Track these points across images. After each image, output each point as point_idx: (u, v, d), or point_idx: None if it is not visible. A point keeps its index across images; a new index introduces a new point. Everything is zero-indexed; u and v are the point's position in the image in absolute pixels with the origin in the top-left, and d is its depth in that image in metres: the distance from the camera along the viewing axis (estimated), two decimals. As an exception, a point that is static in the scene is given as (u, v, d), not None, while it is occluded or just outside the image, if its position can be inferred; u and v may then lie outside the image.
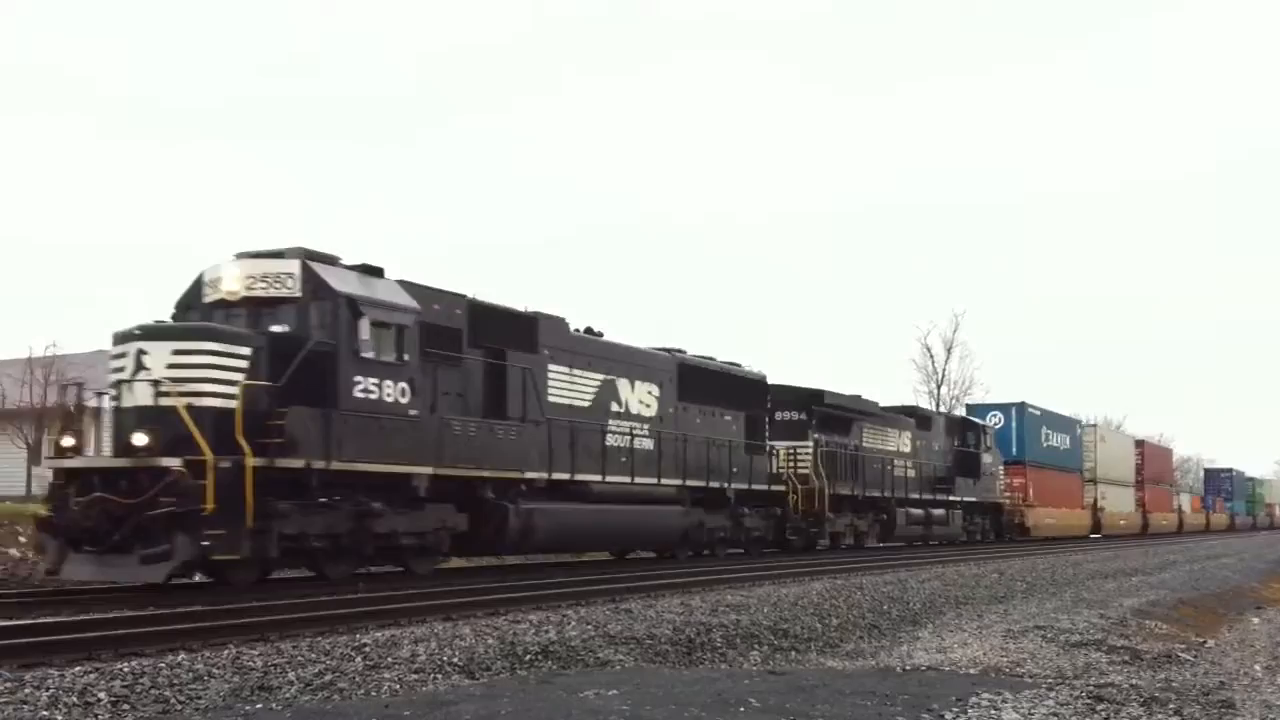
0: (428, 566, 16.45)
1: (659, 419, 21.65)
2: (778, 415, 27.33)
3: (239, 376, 13.79)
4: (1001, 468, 39.68)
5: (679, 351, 23.19)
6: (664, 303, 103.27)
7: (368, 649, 9.75)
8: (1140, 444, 61.49)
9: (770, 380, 27.78)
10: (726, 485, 23.11)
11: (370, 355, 14.86)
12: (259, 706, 7.61)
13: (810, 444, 27.20)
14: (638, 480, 20.40)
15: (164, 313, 15.19)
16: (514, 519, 17.24)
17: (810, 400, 27.92)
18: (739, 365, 25.31)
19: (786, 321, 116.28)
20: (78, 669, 8.47)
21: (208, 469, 12.92)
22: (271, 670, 8.70)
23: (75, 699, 7.51)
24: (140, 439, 13.17)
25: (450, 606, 13.04)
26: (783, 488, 25.45)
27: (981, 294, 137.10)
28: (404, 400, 15.35)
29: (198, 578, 15.07)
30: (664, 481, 21.21)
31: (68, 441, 13.99)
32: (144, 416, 13.40)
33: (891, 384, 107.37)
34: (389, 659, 9.43)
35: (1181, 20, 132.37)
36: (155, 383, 13.41)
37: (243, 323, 14.73)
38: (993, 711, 8.06)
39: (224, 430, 13.39)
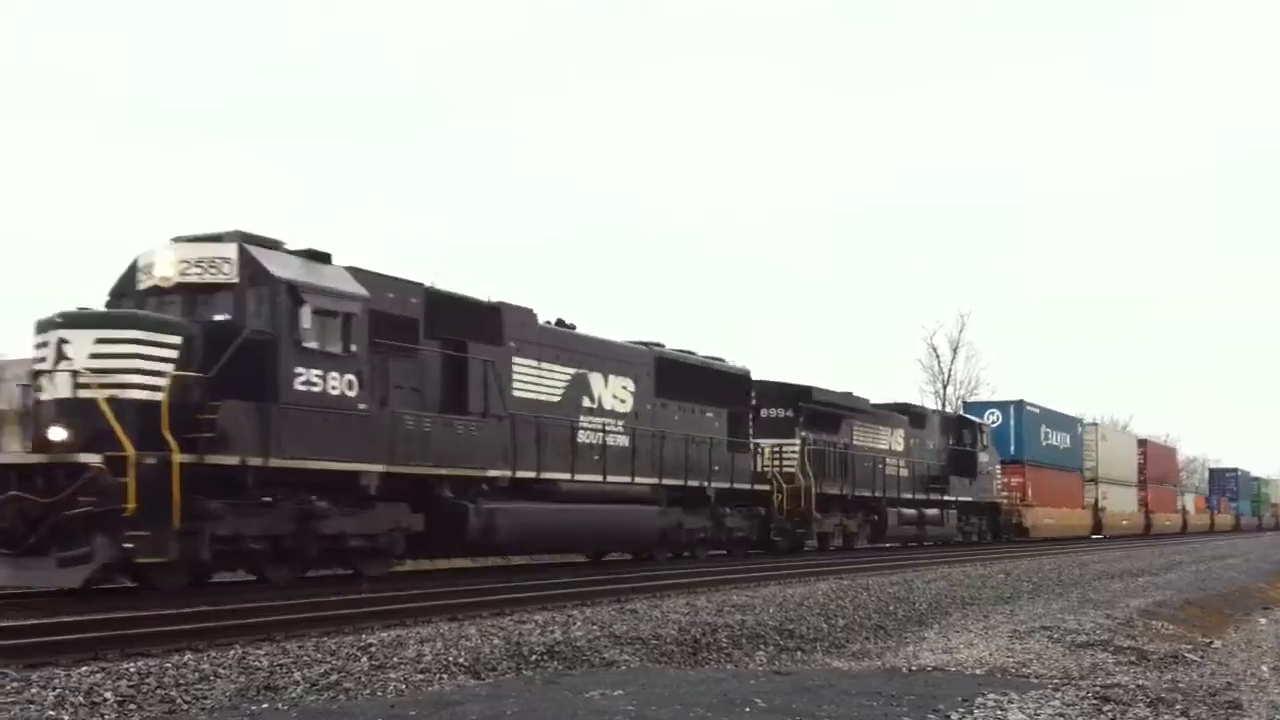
0: (380, 569, 15.55)
1: (634, 415, 20.74)
2: (763, 412, 26.43)
3: (167, 367, 12.92)
4: (999, 467, 38.69)
5: (657, 345, 22.27)
6: (664, 303, 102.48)
7: (373, 649, 9.77)
8: (1143, 443, 60.47)
9: (758, 376, 27.01)
10: (706, 484, 22.19)
11: (313, 345, 13.98)
12: (265, 706, 7.65)
13: (797, 442, 26.27)
14: (610, 479, 19.50)
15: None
16: (474, 519, 16.35)
17: (797, 396, 26.97)
18: (721, 360, 24.39)
19: (787, 321, 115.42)
20: (84, 669, 8.47)
21: (129, 465, 12.06)
22: (277, 670, 8.72)
23: (81, 699, 7.51)
24: (58, 433, 12.36)
25: (456, 607, 13.01)
26: (767, 487, 24.53)
27: (982, 294, 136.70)
28: (351, 393, 14.47)
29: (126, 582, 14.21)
30: (639, 480, 20.30)
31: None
32: (63, 410, 12.56)
33: (897, 384, 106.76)
34: (395, 659, 9.45)
35: (1181, 20, 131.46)
36: (75, 374, 12.53)
37: (178, 310, 13.85)
38: (999, 712, 8.02)
39: (150, 424, 12.55)
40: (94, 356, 12.69)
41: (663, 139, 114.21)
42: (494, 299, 17.99)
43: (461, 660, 9.68)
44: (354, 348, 14.52)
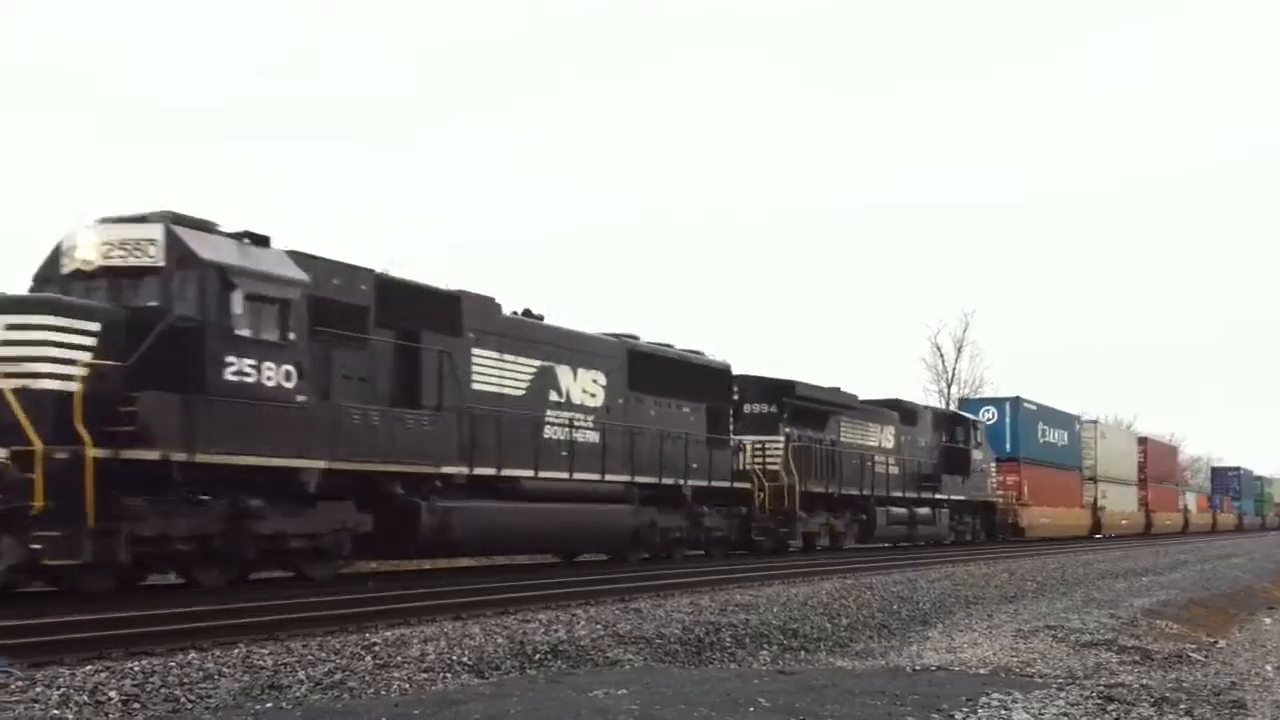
0: (326, 572, 14.65)
1: (605, 409, 19.86)
2: (746, 408, 25.56)
3: (83, 355, 12.06)
4: (993, 465, 37.77)
5: (630, 337, 21.37)
6: (664, 303, 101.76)
7: (377, 648, 9.75)
8: (1143, 441, 59.52)
9: (755, 372, 26.24)
10: (682, 482, 21.31)
11: (246, 333, 13.12)
12: (269, 705, 7.61)
13: (781, 438, 25.37)
14: (577, 476, 18.61)
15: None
16: (426, 518, 15.47)
17: (781, 392, 26.05)
18: (701, 353, 23.50)
19: (787, 322, 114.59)
20: (88, 668, 8.43)
21: (36, 460, 11.20)
22: (282, 669, 8.69)
23: (86, 698, 7.48)
24: (-39, 427, 11.47)
25: (459, 605, 12.97)
26: (748, 485, 23.64)
27: (983, 294, 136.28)
28: (289, 384, 13.60)
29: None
30: (609, 478, 19.42)
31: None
32: (-32, 400, 11.68)
33: (900, 383, 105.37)
34: (399, 658, 9.44)
35: (1181, 20, 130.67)
36: (-19, 362, 11.68)
37: (104, 296, 12.99)
38: (1003, 711, 8.00)
39: (65, 417, 11.68)
40: (3, 344, 11.84)
41: (663, 139, 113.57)
42: (452, 287, 17.13)
43: (465, 659, 9.67)
44: (292, 336, 13.65)
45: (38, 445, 11.25)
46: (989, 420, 39.94)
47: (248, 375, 13.10)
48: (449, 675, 9.17)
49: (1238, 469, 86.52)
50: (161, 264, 12.89)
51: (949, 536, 33.92)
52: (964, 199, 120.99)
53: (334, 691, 8.26)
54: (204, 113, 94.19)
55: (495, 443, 16.92)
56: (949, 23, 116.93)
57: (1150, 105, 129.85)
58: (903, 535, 31.06)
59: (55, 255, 13.44)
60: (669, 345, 22.62)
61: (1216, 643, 15.48)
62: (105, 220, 13.36)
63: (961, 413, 37.95)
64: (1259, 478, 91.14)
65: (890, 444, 30.63)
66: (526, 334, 18.37)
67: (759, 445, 24.99)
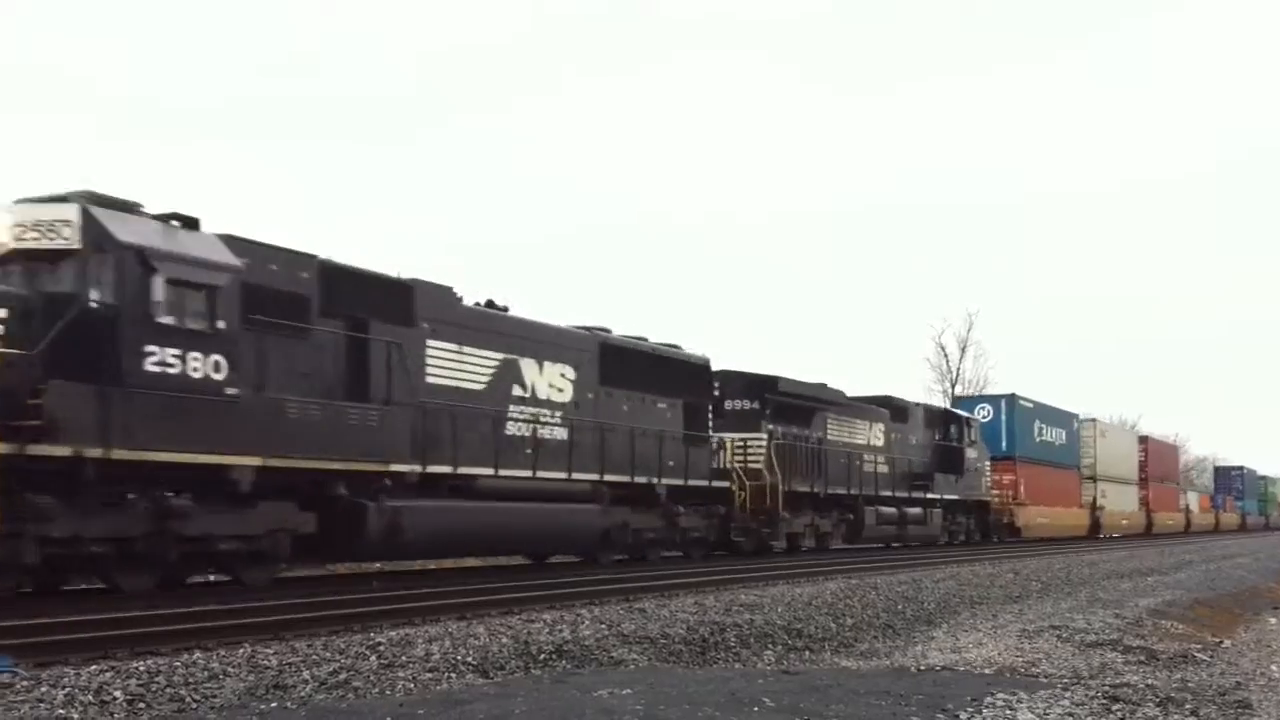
0: (263, 576, 13.77)
1: (574, 405, 18.99)
2: (727, 404, 24.67)
3: (-12, 343, 11.20)
4: (988, 463, 36.82)
5: (602, 330, 20.49)
6: (664, 303, 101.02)
7: (382, 648, 9.73)
8: (1144, 440, 58.59)
9: (736, 367, 25.43)
10: (656, 480, 20.43)
11: (169, 321, 12.25)
12: (274, 705, 7.60)
13: (763, 436, 24.47)
14: (541, 474, 17.74)
15: None
16: (374, 519, 14.61)
17: (763, 387, 25.12)
18: (678, 347, 22.61)
19: (787, 321, 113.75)
20: (93, 667, 8.41)
21: (-71, 457, 10.36)
22: (286, 669, 8.66)
23: (91, 697, 7.47)
24: None
25: (464, 605, 12.95)
26: (727, 484, 22.76)
27: (983, 294, 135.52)
28: (218, 376, 12.73)
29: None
30: (577, 476, 18.54)
31: None
32: None
33: (904, 383, 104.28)
34: (403, 658, 9.42)
35: (1181, 20, 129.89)
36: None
37: (16, 281, 12.13)
38: (1008, 711, 7.98)
39: (-32, 410, 10.83)
40: (-99, 331, 11.01)
41: (663, 139, 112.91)
42: (407, 276, 16.24)
43: (470, 659, 9.67)
44: (222, 324, 12.77)
45: (-70, 440, 10.41)
46: (984, 418, 39.05)
47: (171, 366, 12.23)
48: (454, 675, 9.19)
49: (1241, 468, 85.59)
50: (77, 246, 12.01)
51: (942, 537, 33.01)
52: (964, 199, 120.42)
53: (339, 691, 8.27)
54: (204, 113, 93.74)
55: (451, 439, 16.05)
56: (949, 23, 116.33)
57: (1150, 105, 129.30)
58: (893, 536, 30.16)
59: (-31, 239, 12.57)
60: (644, 339, 21.74)
61: (1222, 643, 15.35)
62: (21, 201, 12.50)
63: (955, 410, 36.98)
64: (1262, 477, 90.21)
65: (880, 442, 29.72)
66: (488, 326, 17.50)
67: (740, 443, 24.09)
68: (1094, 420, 49.20)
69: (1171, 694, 9.01)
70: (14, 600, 11.28)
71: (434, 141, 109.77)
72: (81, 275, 12.04)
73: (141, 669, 8.33)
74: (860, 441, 28.64)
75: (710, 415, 23.07)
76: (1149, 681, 9.99)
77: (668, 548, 21.64)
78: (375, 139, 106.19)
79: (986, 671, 10.63)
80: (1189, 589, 22.11)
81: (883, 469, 29.29)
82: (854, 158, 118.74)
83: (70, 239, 12.00)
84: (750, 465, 23.98)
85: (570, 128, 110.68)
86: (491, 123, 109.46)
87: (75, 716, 7.12)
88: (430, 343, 16.21)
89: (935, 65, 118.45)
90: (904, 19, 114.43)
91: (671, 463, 21.03)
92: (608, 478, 19.19)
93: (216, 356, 12.69)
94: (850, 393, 28.11)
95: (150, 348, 12.03)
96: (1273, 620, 20.30)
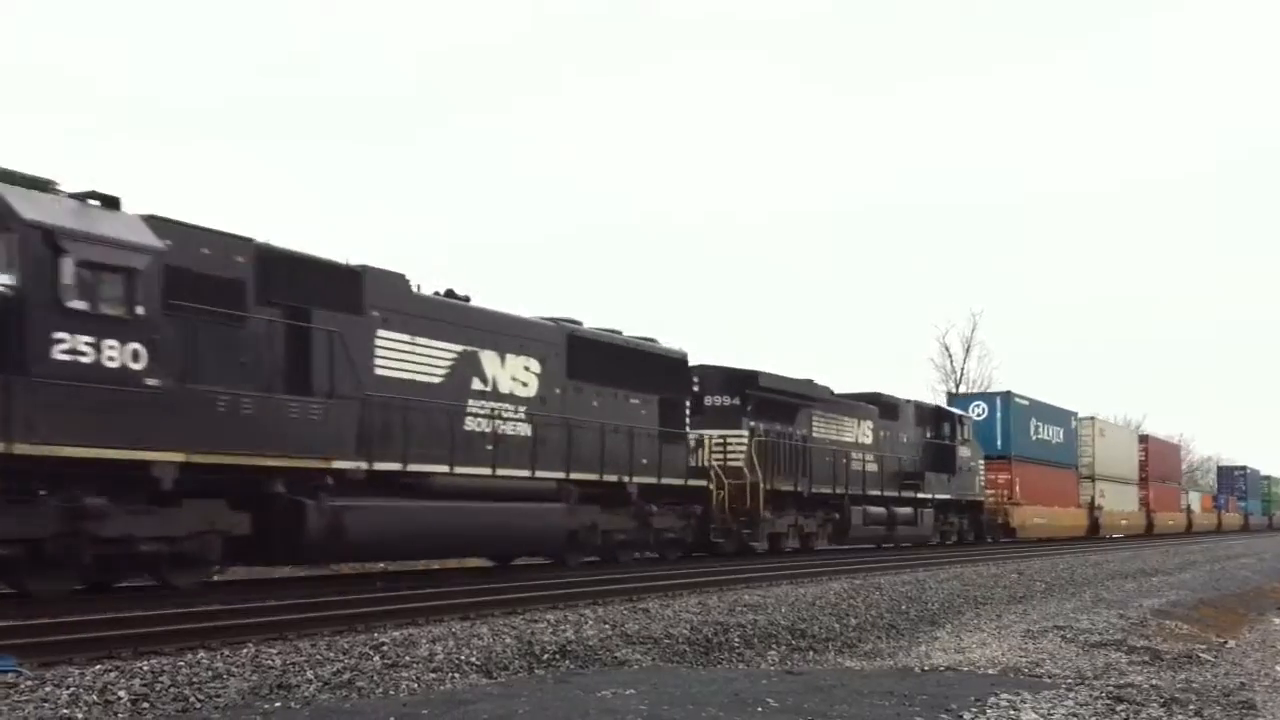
0: (192, 580, 12.90)
1: (540, 400, 18.11)
2: (706, 400, 23.80)
3: (-126, 329, 10.35)
4: (982, 462, 35.88)
5: (572, 321, 19.60)
6: (664, 303, 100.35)
7: (385, 648, 9.74)
8: (1144, 439, 57.61)
9: (715, 362, 24.56)
10: (626, 479, 19.55)
11: (81, 305, 11.39)
12: (278, 705, 7.62)
13: (744, 433, 23.60)
14: (501, 472, 16.88)
15: None
16: (314, 519, 13.72)
17: (744, 383, 24.21)
18: (654, 340, 21.72)
19: (787, 321, 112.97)
20: (98, 667, 8.39)
21: None
22: (290, 669, 8.65)
23: (95, 697, 7.48)
24: None
25: (467, 605, 12.91)
26: (703, 482, 21.88)
27: (984, 294, 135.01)
28: (136, 365, 11.85)
29: None
30: (540, 474, 17.66)
31: None
32: None
33: (908, 384, 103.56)
34: (407, 658, 9.43)
35: (1181, 20, 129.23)
36: None
37: (-81, 265, 11.27)
38: (1012, 712, 8.00)
39: None
40: None
41: (663, 139, 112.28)
42: (354, 262, 15.37)
43: (473, 659, 9.70)
44: (141, 310, 11.91)
45: None
46: (979, 416, 38.16)
47: (82, 354, 11.36)
48: (457, 675, 9.20)
49: (1244, 468, 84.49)
50: (-21, 226, 11.16)
51: (933, 538, 32.11)
52: (964, 199, 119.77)
53: (342, 691, 8.28)
54: (204, 113, 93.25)
55: (402, 435, 15.19)
56: (949, 23, 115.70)
57: (1150, 105, 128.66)
58: (881, 536, 29.25)
59: None
60: (617, 331, 20.86)
61: (1226, 643, 15.37)
62: (-76, 179, 11.64)
63: (947, 407, 36.03)
64: (1266, 477, 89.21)
65: (868, 439, 28.82)
66: (445, 315, 16.60)
67: (720, 440, 23.24)
68: (1092, 418, 48.25)
69: (1176, 694, 9.02)
70: (15, 600, 11.19)
71: (434, 141, 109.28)
72: (-16, 257, 11.16)
73: (145, 669, 8.32)
74: (848, 439, 27.75)
75: (688, 411, 22.20)
76: (1153, 682, 10.01)
77: (640, 549, 20.76)
78: (375, 139, 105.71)
79: (990, 672, 10.64)
80: (1193, 589, 21.98)
81: (871, 467, 28.39)
82: (854, 158, 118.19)
83: (-29, 217, 11.14)
84: (730, 463, 23.12)
85: (570, 128, 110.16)
86: (491, 123, 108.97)
87: (80, 716, 7.12)
88: (381, 332, 15.33)
89: (935, 65, 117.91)
90: (904, 19, 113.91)
91: (645, 461, 20.16)
92: (574, 476, 18.32)
93: (135, 344, 11.82)
94: (822, 386, 27.08)
95: (59, 334, 11.16)
96: (1277, 620, 20.26)
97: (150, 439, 11.88)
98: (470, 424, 16.65)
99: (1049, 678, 10.22)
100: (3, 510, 10.90)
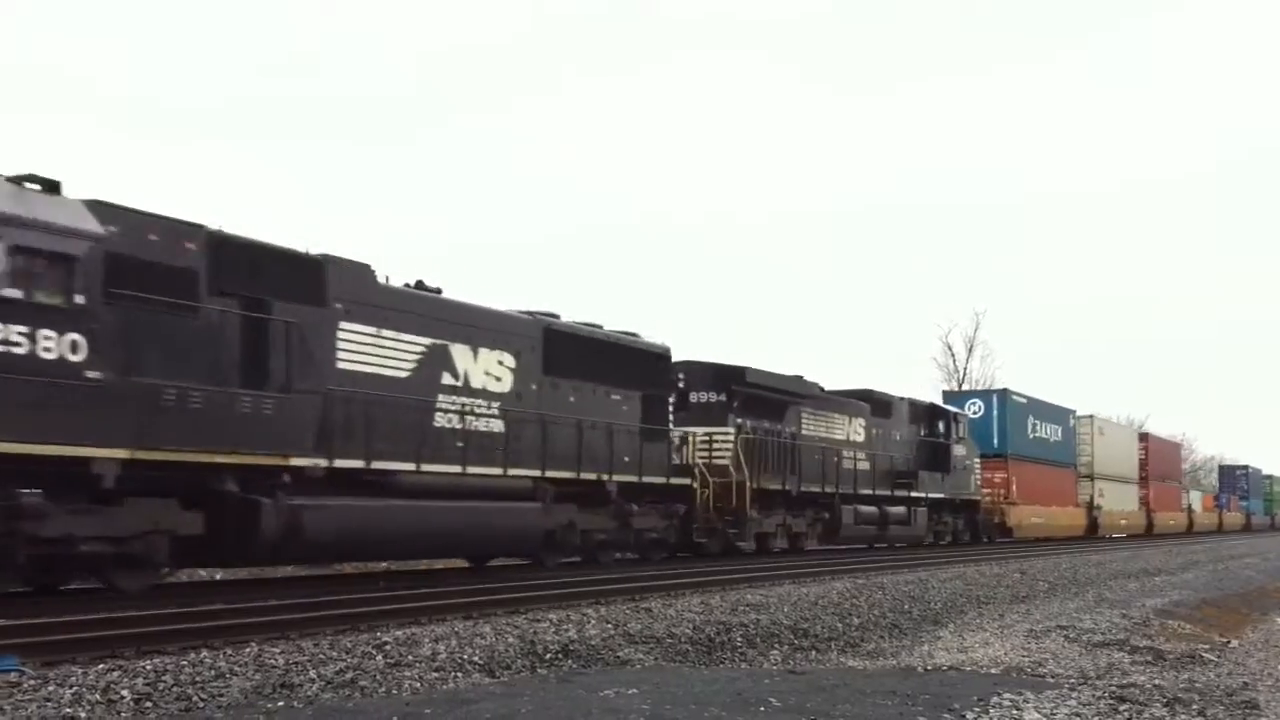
0: (138, 582, 12.34)
1: (515, 395, 17.54)
2: (692, 396, 23.24)
3: None
4: (978, 461, 35.30)
5: (549, 315, 19.02)
6: (664, 303, 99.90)
7: (388, 647, 9.75)
8: (1144, 437, 56.99)
9: (701, 357, 24.02)
10: (606, 477, 18.98)
11: (14, 294, 10.85)
12: (281, 704, 7.64)
13: (730, 430, 23.03)
14: (473, 470, 16.31)
15: None
16: (270, 518, 13.17)
17: (730, 379, 23.62)
18: (635, 335, 21.16)
19: (786, 321, 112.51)
20: (100, 666, 8.41)
21: None
22: (293, 668, 8.68)
23: (98, 696, 7.48)
24: None
25: (470, 605, 12.91)
26: (686, 480, 21.31)
27: (984, 294, 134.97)
28: (75, 357, 11.31)
29: None
30: (514, 472, 17.10)
31: None
32: None
33: (909, 383, 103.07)
34: (410, 657, 9.44)
35: (1181, 20, 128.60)
36: None
37: None
38: (1014, 711, 8.00)
39: None
40: None
41: (663, 139, 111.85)
42: (316, 252, 14.80)
43: (476, 659, 9.70)
44: (80, 299, 11.37)
45: None
46: (975, 414, 37.56)
47: (16, 345, 10.83)
48: (460, 674, 9.22)
49: (1246, 468, 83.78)
50: (-95, 210, 10.62)
51: (927, 537, 31.54)
52: (964, 199, 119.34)
53: (345, 690, 8.29)
54: (204, 113, 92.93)
55: (364, 431, 14.62)
56: (949, 23, 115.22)
57: (1150, 105, 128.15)
58: (873, 536, 28.69)
59: None
60: (597, 325, 20.29)
61: (1229, 643, 15.31)
62: None
63: (942, 405, 35.40)
64: (1268, 476, 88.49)
65: (860, 437, 28.24)
66: (414, 308, 16.03)
67: (705, 437, 22.67)
68: (1091, 417, 47.65)
69: (1179, 694, 9.00)
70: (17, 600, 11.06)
71: (434, 141, 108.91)
72: (-89, 242, 10.62)
73: (148, 668, 8.32)
74: (838, 437, 27.16)
75: (671, 408, 21.64)
76: (1156, 682, 9.98)
77: (621, 550, 20.20)
78: (375, 139, 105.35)
79: (993, 671, 10.59)
80: (1196, 589, 21.89)
81: (863, 466, 27.81)
82: (854, 158, 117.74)
83: (-102, 201, 10.59)
84: (716, 461, 22.56)
85: (570, 128, 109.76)
86: (491, 123, 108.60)
87: (82, 715, 7.11)
88: (343, 325, 14.75)
89: (935, 65, 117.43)
90: (904, 19, 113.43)
91: (625, 458, 19.59)
92: (550, 474, 17.75)
93: (74, 335, 11.28)
94: (811, 383, 26.50)
95: (-10, 324, 10.62)
96: (1280, 620, 20.15)
97: (90, 434, 11.34)
98: (440, 420, 16.09)
99: (1052, 677, 10.16)
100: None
